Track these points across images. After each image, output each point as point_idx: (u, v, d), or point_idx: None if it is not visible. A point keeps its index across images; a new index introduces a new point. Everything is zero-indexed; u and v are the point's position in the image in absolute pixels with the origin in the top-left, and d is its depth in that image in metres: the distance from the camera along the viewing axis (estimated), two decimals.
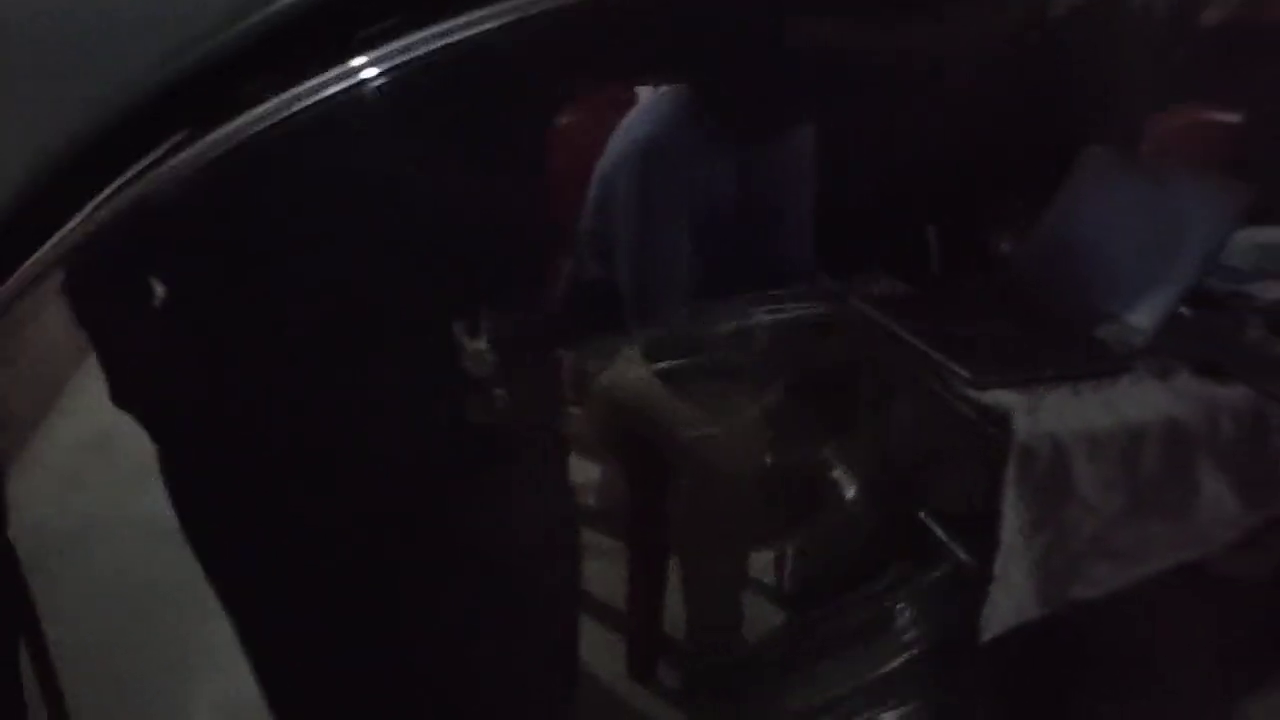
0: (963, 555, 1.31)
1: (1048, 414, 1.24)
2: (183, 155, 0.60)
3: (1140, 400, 1.26)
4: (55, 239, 0.63)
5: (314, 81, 0.64)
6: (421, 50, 0.74)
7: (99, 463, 2.20)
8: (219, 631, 1.11)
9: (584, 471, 2.36)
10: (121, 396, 0.83)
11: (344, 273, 0.71)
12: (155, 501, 1.05)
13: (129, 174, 0.62)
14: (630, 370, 1.73)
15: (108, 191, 0.63)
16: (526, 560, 0.93)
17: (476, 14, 0.76)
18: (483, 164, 0.80)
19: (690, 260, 1.63)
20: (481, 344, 0.79)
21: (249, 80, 0.63)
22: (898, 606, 1.41)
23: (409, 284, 0.76)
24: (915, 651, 1.39)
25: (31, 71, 0.58)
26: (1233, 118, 1.85)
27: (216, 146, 0.62)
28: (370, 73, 0.70)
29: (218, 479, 0.82)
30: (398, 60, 0.72)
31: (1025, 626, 1.29)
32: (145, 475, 1.03)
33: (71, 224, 0.61)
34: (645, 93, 1.79)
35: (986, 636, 1.27)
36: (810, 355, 1.72)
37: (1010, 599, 1.27)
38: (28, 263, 0.64)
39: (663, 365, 1.66)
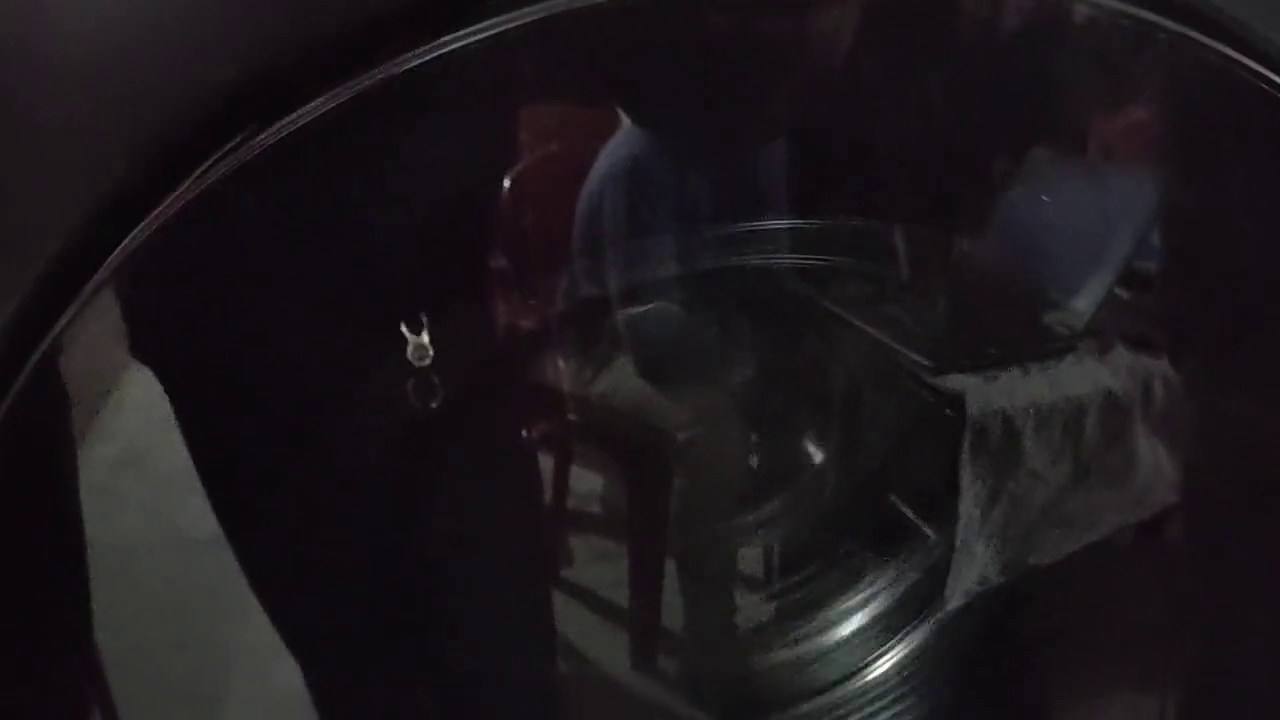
0: (928, 530, 1.40)
1: (999, 394, 1.33)
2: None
3: (1081, 376, 1.35)
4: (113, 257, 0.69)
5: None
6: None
7: (136, 480, 2.34)
8: (257, 635, 1.19)
9: (585, 480, 2.47)
10: (140, 349, 0.91)
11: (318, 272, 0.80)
12: (190, 514, 1.13)
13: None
14: (623, 378, 1.84)
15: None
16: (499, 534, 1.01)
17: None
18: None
19: (674, 271, 1.74)
20: (423, 338, 0.89)
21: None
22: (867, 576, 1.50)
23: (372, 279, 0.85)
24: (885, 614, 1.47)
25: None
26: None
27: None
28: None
29: (226, 433, 0.91)
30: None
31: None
32: (180, 490, 1.11)
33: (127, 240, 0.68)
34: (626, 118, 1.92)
35: (951, 605, 1.35)
36: (787, 353, 1.82)
37: (972, 568, 1.35)
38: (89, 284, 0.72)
39: (653, 371, 1.77)
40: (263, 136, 0.65)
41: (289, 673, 1.27)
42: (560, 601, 2.08)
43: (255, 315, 0.81)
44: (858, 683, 1.54)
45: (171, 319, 0.82)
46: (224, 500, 0.97)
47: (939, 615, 1.43)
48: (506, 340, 1.91)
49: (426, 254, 0.87)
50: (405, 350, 0.87)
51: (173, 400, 0.91)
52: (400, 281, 0.85)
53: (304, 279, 0.80)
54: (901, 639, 1.51)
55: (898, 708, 1.52)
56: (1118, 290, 1.53)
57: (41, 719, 1.12)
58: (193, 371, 0.88)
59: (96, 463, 2.40)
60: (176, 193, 0.64)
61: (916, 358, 1.40)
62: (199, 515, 1.11)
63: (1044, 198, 1.61)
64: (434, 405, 0.92)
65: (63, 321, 0.72)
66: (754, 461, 1.92)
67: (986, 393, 1.34)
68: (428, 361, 0.89)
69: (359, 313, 0.83)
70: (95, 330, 0.81)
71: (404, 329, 0.88)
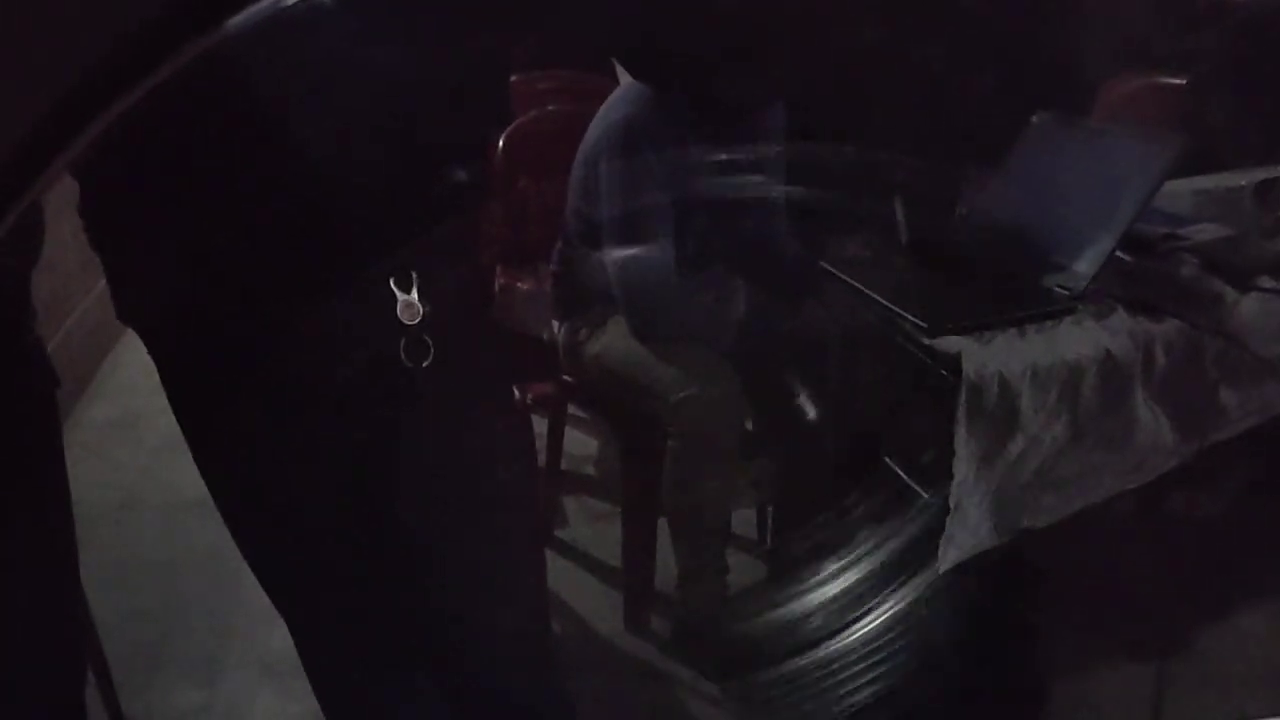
0: (922, 491, 1.40)
1: (995, 355, 1.32)
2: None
3: (1080, 339, 1.34)
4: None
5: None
6: None
7: (130, 441, 2.34)
8: (253, 594, 1.18)
9: (579, 442, 2.47)
10: (127, 314, 0.90)
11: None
12: (184, 475, 1.12)
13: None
14: (618, 339, 1.84)
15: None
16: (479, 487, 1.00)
17: None
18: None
19: (669, 233, 1.73)
20: (413, 296, 0.88)
21: None
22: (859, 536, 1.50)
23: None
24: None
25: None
26: (1174, 80, 1.93)
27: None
28: None
29: (210, 391, 0.90)
30: None
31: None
32: (173, 451, 1.10)
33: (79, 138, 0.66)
34: (623, 79, 1.90)
35: (944, 566, 1.34)
36: (783, 317, 1.81)
37: (965, 530, 1.34)
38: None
39: (647, 333, 1.76)
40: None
41: (288, 634, 1.27)
42: (552, 561, 2.10)
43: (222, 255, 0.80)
44: (847, 641, 1.55)
45: (148, 272, 0.81)
46: (207, 457, 0.96)
47: (930, 576, 1.43)
48: (499, 299, 1.90)
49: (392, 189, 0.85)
50: (379, 298, 0.86)
51: (158, 362, 0.90)
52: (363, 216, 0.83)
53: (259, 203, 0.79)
54: (892, 599, 1.51)
55: (886, 667, 1.53)
56: (1120, 254, 1.53)
57: (35, 686, 1.11)
58: (176, 333, 0.87)
59: (90, 423, 2.41)
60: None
61: (913, 319, 1.39)
62: (195, 477, 1.10)
63: (1047, 160, 1.60)
64: (425, 365, 0.91)
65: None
66: (748, 422, 1.92)
67: (983, 354, 1.33)
68: (418, 320, 0.88)
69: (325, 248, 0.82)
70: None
71: (393, 287, 0.87)
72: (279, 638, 1.03)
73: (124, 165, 0.76)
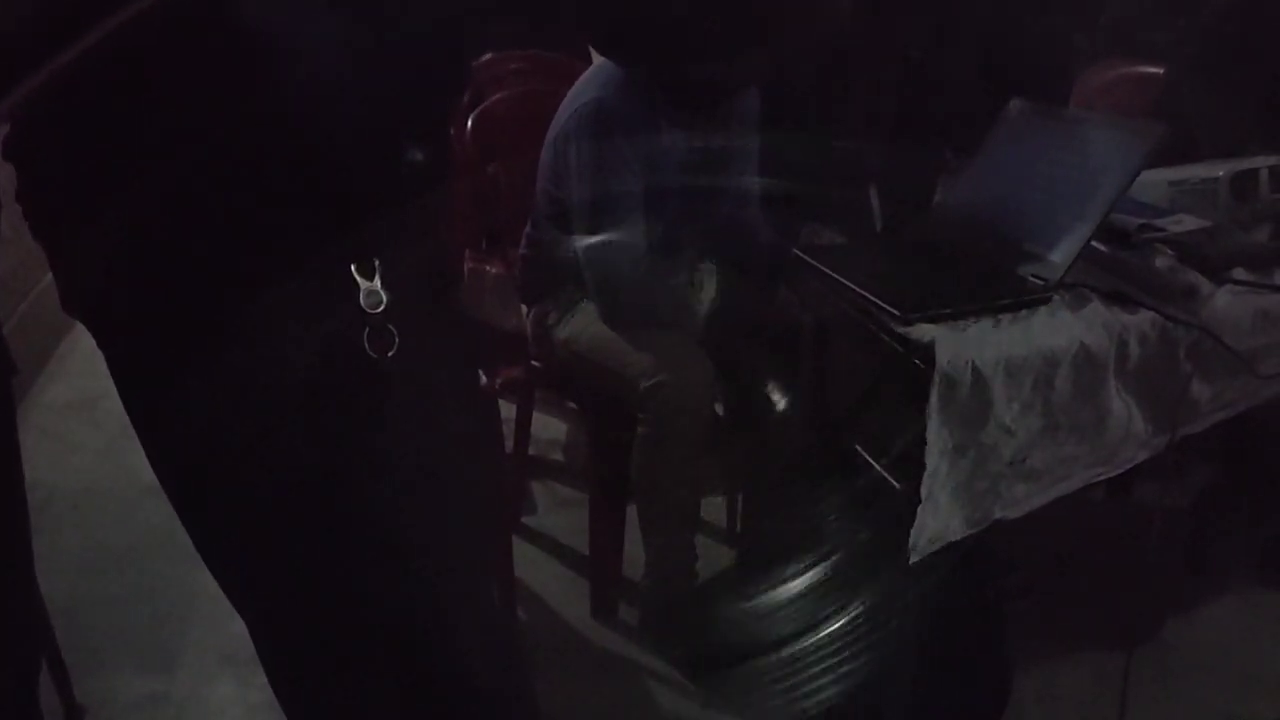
0: (893, 481, 1.38)
1: (969, 345, 1.31)
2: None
3: (1055, 329, 1.33)
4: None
5: None
6: None
7: (88, 424, 2.30)
8: (212, 581, 1.16)
9: (547, 427, 2.44)
10: (71, 304, 0.87)
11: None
12: (143, 460, 1.09)
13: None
14: (587, 324, 1.81)
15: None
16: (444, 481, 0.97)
17: None
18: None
19: (640, 217, 1.70)
20: (375, 284, 0.85)
21: None
22: (830, 526, 1.49)
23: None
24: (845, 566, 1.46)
25: None
26: (1151, 69, 1.92)
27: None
28: None
29: (159, 383, 0.86)
30: None
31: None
32: (132, 435, 1.07)
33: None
34: (595, 60, 1.87)
35: (914, 558, 1.33)
36: (755, 303, 1.79)
37: (937, 520, 1.33)
38: None
39: (617, 318, 1.74)
40: None
41: None
42: (519, 547, 2.07)
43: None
44: (817, 636, 1.53)
45: (88, 260, 0.78)
46: (160, 455, 0.93)
47: (901, 569, 1.42)
48: (466, 283, 1.86)
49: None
50: (341, 285, 0.83)
51: (107, 356, 0.87)
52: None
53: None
54: (863, 592, 1.50)
55: (856, 663, 1.52)
56: (1095, 244, 1.52)
57: None
58: (121, 326, 0.84)
59: (48, 405, 2.35)
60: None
61: (886, 306, 1.37)
62: None
63: (1024, 148, 1.59)
64: (390, 354, 0.88)
65: None
66: (719, 409, 1.90)
67: (956, 343, 1.31)
68: (381, 308, 0.86)
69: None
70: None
71: (355, 274, 0.84)
72: (239, 625, 1.00)
73: (58, 148, 0.73)
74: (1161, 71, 1.93)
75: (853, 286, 1.47)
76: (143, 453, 0.91)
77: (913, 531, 1.37)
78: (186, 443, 0.83)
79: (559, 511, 2.24)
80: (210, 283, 0.76)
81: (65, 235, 0.77)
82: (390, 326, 0.81)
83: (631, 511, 1.87)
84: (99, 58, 0.58)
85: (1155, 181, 1.61)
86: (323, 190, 0.75)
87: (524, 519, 2.20)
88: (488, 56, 2.42)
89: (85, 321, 0.82)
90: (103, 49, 0.58)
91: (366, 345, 0.81)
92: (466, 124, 2.04)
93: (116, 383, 0.83)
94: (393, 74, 0.76)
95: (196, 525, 0.89)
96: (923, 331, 1.37)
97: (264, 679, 0.94)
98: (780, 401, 1.78)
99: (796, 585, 1.63)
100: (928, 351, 1.33)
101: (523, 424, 2.08)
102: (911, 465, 1.38)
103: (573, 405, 2.14)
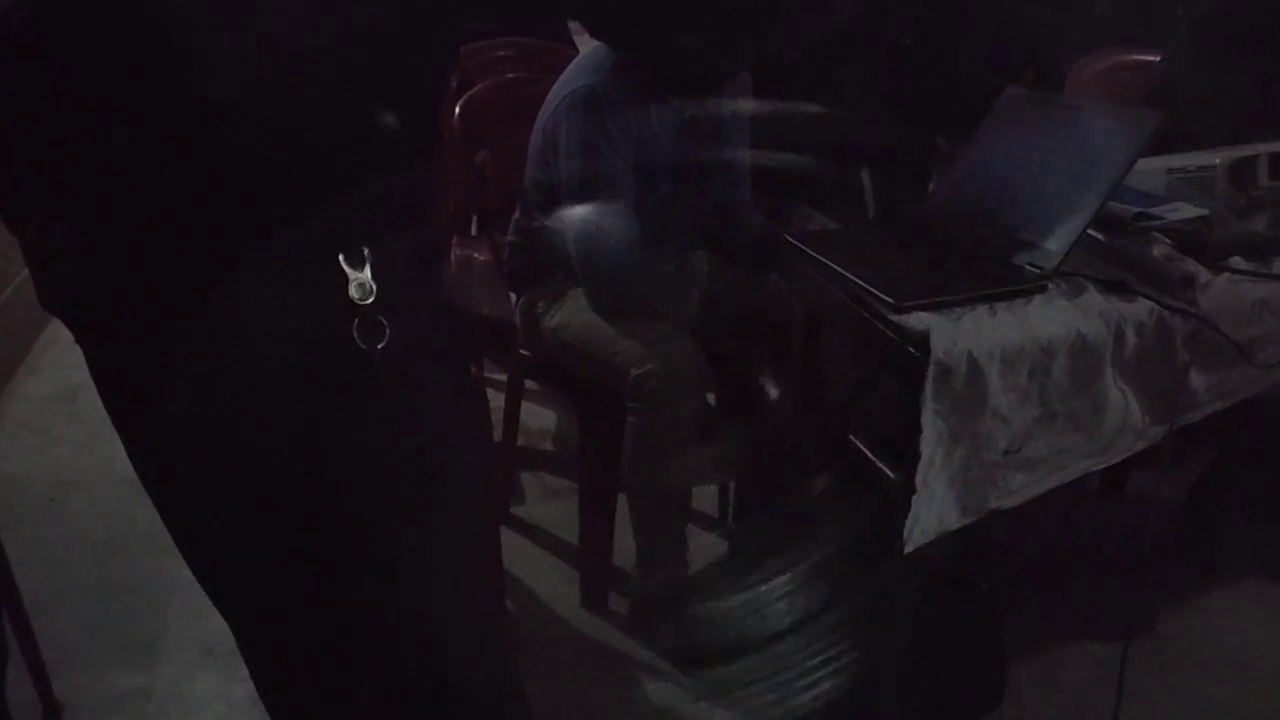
0: (887, 470, 1.36)
1: (964, 333, 1.29)
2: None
3: (1051, 318, 1.31)
4: None
5: None
6: None
7: (68, 416, 2.27)
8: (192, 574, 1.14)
9: (537, 417, 2.42)
10: (47, 300, 0.85)
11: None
12: (123, 452, 1.07)
13: None
14: (576, 312, 1.79)
15: None
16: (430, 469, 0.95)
17: None
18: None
19: (630, 202, 1.68)
20: (365, 274, 0.83)
21: None
22: (823, 516, 1.47)
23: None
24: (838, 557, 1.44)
25: None
26: (1148, 56, 1.91)
27: None
28: None
29: (138, 378, 0.84)
30: None
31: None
32: (112, 427, 1.06)
33: None
34: (584, 48, 1.84)
35: (910, 548, 1.31)
36: (747, 291, 1.78)
37: (931, 510, 1.32)
38: None
39: (606, 306, 1.71)
40: None
41: None
42: (509, 539, 2.05)
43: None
44: (810, 629, 1.52)
45: (61, 252, 0.75)
46: (141, 453, 0.91)
47: (895, 559, 1.40)
48: (453, 271, 1.84)
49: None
50: (329, 276, 0.80)
51: (85, 353, 0.85)
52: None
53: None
54: (856, 583, 1.49)
55: (850, 654, 1.50)
56: (1092, 232, 1.51)
57: None
58: (98, 321, 0.82)
59: (27, 398, 2.32)
60: None
61: (881, 294, 1.35)
62: None
63: (1019, 136, 1.57)
64: (380, 345, 0.86)
65: None
66: (711, 398, 1.88)
67: (952, 332, 1.30)
68: (371, 299, 0.84)
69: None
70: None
71: (344, 264, 0.82)
72: (220, 619, 0.98)
73: (25, 140, 0.70)
74: (1157, 59, 1.91)
75: (846, 274, 1.45)
76: (122, 446, 0.89)
77: (907, 521, 1.35)
78: (166, 438, 0.81)
79: (548, 502, 2.22)
80: (186, 275, 0.74)
81: (37, 230, 0.75)
82: (380, 319, 0.79)
83: (622, 501, 1.85)
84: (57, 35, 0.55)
85: (1152, 169, 1.60)
86: (301, 172, 0.73)
87: (513, 510, 2.19)
88: (476, 44, 2.40)
89: (62, 317, 0.80)
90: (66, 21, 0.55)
91: (356, 337, 0.79)
92: (454, 110, 2.02)
93: (95, 377, 0.81)
94: (377, 44, 0.74)
95: (176, 521, 0.86)
96: (917, 320, 1.35)
97: (246, 672, 0.92)
98: (772, 390, 1.76)
99: (789, 576, 1.62)
100: (922, 340, 1.31)
101: (512, 413, 2.06)
102: (906, 454, 1.37)
103: (562, 395, 2.11)
